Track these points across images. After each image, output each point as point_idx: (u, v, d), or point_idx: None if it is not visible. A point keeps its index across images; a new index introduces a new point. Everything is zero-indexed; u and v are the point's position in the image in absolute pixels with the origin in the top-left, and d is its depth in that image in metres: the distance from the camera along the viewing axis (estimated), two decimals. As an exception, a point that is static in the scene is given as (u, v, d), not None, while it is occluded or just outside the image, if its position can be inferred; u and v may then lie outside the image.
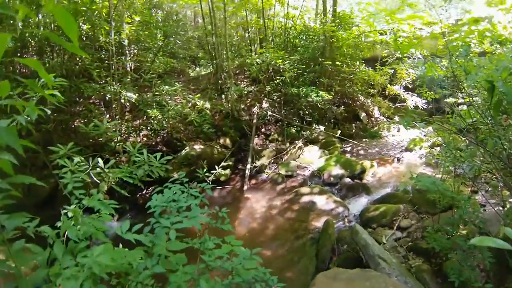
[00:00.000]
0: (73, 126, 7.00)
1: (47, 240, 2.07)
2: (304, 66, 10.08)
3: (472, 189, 5.30)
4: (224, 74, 9.46)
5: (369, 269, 3.58)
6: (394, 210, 5.65)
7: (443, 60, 5.31)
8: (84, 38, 7.75)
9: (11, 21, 5.60)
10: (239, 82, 10.63)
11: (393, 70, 11.13)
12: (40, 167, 5.99)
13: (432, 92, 6.44)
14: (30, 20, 6.58)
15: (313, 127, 9.72)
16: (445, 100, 8.68)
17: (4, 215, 1.65)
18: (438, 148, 7.67)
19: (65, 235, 2.14)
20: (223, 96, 9.56)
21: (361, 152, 9.43)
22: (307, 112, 9.91)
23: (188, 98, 8.35)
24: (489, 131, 3.85)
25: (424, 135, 9.18)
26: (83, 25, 7.31)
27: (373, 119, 11.75)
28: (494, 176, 5.85)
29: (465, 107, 5.00)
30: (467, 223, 4.11)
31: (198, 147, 7.78)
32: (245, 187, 7.48)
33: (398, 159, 8.53)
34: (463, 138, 5.04)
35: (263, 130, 9.58)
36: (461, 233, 4.15)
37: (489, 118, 3.93)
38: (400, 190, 6.47)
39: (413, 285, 3.62)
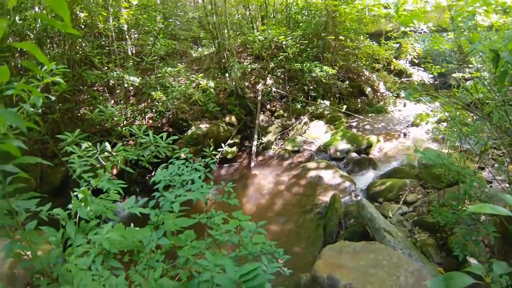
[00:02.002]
0: (79, 114, 7.06)
1: (61, 224, 2.16)
2: (307, 41, 9.95)
3: (479, 165, 5.29)
4: (227, 52, 9.38)
5: (374, 242, 3.65)
6: (400, 184, 5.68)
7: (449, 33, 5.21)
8: (83, 26, 7.71)
9: (8, 17, 5.58)
10: (242, 60, 10.54)
11: (398, 44, 10.93)
12: (50, 157, 6.09)
13: (438, 66, 6.33)
14: (27, 13, 6.56)
15: (318, 103, 9.67)
16: (452, 74, 8.56)
17: (15, 199, 1.71)
18: (444, 124, 7.61)
19: (77, 216, 2.22)
20: (226, 74, 9.52)
21: (367, 127, 9.41)
22: (311, 88, 9.85)
23: (192, 78, 8.33)
24: (495, 105, 3.81)
25: (431, 110, 9.10)
26: (80, 13, 7.25)
27: (378, 94, 11.63)
28: (501, 152, 5.81)
29: (472, 82, 4.93)
30: (472, 198, 4.12)
31: (204, 126, 7.82)
32: (252, 164, 7.55)
33: (404, 134, 8.50)
34: (469, 114, 4.99)
35: (268, 106, 9.57)
36: (466, 208, 4.17)
37: (496, 92, 3.89)
38: (406, 164, 6.48)
39: (418, 258, 3.68)
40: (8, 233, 1.69)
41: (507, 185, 4.71)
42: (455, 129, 4.64)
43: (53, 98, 2.21)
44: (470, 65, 5.64)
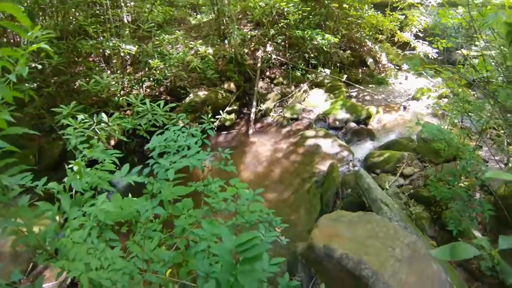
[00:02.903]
0: (75, 86, 6.94)
1: (55, 197, 2.14)
2: (309, 9, 9.66)
3: (477, 143, 5.26)
4: (226, 19, 9.14)
5: (371, 213, 3.66)
6: (398, 157, 5.68)
7: (458, 7, 5.03)
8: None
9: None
10: (242, 26, 10.28)
11: (404, 16, 10.62)
12: (47, 131, 6.08)
13: (444, 41, 6.17)
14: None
15: (318, 71, 9.51)
16: (457, 51, 8.33)
17: (5, 175, 1.68)
18: (445, 100, 7.52)
19: (73, 189, 2.20)
20: (226, 41, 9.32)
21: (367, 98, 9.31)
22: (312, 56, 9.64)
23: (190, 45, 8.16)
24: (502, 82, 3.73)
25: (432, 85, 8.98)
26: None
27: (380, 65, 11.40)
28: (502, 132, 5.76)
29: (477, 61, 4.81)
30: (469, 175, 4.11)
31: (202, 93, 7.72)
32: (251, 131, 7.53)
33: (404, 107, 8.44)
34: (472, 92, 4.89)
35: (267, 73, 9.41)
36: (463, 185, 4.17)
37: (505, 70, 3.80)
38: (405, 137, 6.46)
39: (413, 230, 3.72)
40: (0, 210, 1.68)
41: (503, 165, 4.71)
42: (457, 105, 4.59)
43: (39, 66, 2.13)
44: (477, 43, 5.50)
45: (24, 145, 5.79)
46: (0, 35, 5.96)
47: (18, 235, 1.85)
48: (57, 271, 3.37)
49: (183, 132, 2.44)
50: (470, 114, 4.54)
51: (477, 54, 5.35)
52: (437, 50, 9.65)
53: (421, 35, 10.71)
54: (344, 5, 9.67)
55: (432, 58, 10.13)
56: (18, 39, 6.60)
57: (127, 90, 7.11)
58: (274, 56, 9.45)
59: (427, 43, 10.04)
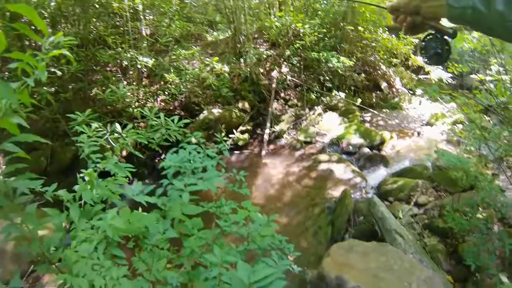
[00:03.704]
0: (91, 94, 7.01)
1: (64, 206, 2.08)
2: (325, 30, 9.71)
3: (493, 172, 5.10)
4: (243, 37, 9.20)
5: (385, 243, 3.53)
6: (413, 185, 5.51)
7: (473, 31, 4.98)
8: (97, 6, 7.60)
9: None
10: (258, 46, 10.33)
11: (418, 40, 10.61)
12: (61, 136, 6.13)
13: (460, 66, 6.10)
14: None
15: (333, 94, 9.48)
16: (471, 75, 8.23)
17: (12, 179, 1.62)
18: (460, 126, 7.39)
19: (82, 199, 2.14)
20: (241, 60, 9.35)
21: (381, 122, 9.20)
22: (327, 78, 9.62)
23: (206, 62, 8.20)
24: None
25: (447, 111, 8.85)
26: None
27: (394, 89, 11.34)
28: None
29: (492, 85, 4.73)
30: (488, 205, 3.96)
31: (216, 111, 7.68)
32: (263, 152, 7.41)
33: (418, 133, 8.28)
34: (487, 118, 4.78)
35: (282, 94, 9.37)
36: (481, 216, 4.02)
37: None
38: (419, 165, 6.29)
39: (428, 264, 3.55)
40: (7, 215, 1.61)
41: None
42: (473, 132, 4.47)
43: (59, 72, 2.10)
44: (492, 67, 5.43)
45: (36, 147, 5.84)
46: (22, 38, 6.04)
47: (22, 241, 1.79)
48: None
49: (198, 152, 2.37)
50: (487, 141, 4.41)
51: (492, 78, 5.25)
52: (451, 75, 9.57)
53: None
54: (360, 28, 9.70)
55: (446, 82, 10.06)
56: (30, 43, 6.72)
57: (142, 102, 7.13)
58: (289, 77, 9.44)
59: (441, 67, 9.99)
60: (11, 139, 1.38)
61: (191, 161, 2.28)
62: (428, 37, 1.06)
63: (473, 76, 7.57)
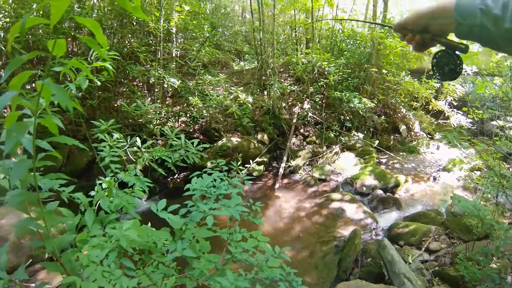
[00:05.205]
0: (115, 105, 7.21)
1: (79, 208, 2.11)
2: (349, 71, 9.86)
3: (510, 221, 4.97)
4: (269, 70, 9.40)
5: (393, 287, 3.42)
6: (425, 230, 5.38)
7: (494, 78, 4.99)
8: (134, 23, 7.95)
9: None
10: (282, 80, 10.55)
11: (440, 84, 10.67)
12: (80, 140, 6.24)
13: (480, 112, 6.06)
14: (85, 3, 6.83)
15: (352, 134, 9.50)
16: (492, 122, 8.15)
17: (41, 176, 1.67)
18: (478, 172, 7.25)
19: (97, 205, 2.17)
20: (265, 92, 9.52)
21: (397, 165, 9.12)
22: (347, 118, 9.71)
23: (231, 90, 8.37)
24: None
25: (465, 157, 8.72)
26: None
27: (412, 133, 11.33)
28: None
29: None
30: (503, 255, 3.83)
31: (235, 139, 7.77)
32: (277, 185, 7.40)
33: (434, 178, 8.15)
34: (506, 166, 4.70)
35: (301, 130, 9.47)
36: (494, 266, 3.88)
37: None
38: (434, 208, 6.18)
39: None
40: (26, 208, 1.65)
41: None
42: (491, 180, 4.39)
43: (99, 82, 2.20)
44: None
45: (54, 146, 5.95)
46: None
47: (34, 236, 1.81)
48: (53, 274, 3.30)
49: (221, 179, 2.41)
50: (505, 189, 4.31)
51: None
52: (471, 120, 9.50)
53: (455, 103, 10.62)
54: (383, 70, 9.81)
55: (466, 128, 9.97)
56: (75, 50, 7.02)
57: (163, 121, 7.29)
58: (310, 114, 9.54)
59: (461, 112, 9.94)
60: (49, 138, 1.44)
61: (215, 187, 2.31)
62: (439, 54, 1.05)
63: (493, 122, 7.48)
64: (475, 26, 0.86)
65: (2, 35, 6.27)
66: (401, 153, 9.99)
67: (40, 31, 6.36)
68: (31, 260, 3.82)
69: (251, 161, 7.18)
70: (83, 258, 1.69)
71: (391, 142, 10.44)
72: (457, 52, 1.01)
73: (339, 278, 4.58)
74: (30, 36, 6.11)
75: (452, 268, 4.36)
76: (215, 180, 2.37)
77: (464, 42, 1.01)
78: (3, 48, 6.19)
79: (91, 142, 3.42)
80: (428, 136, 11.20)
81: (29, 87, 5.84)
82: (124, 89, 7.66)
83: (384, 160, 9.36)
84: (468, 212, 4.03)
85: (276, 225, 5.94)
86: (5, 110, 5.16)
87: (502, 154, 4.35)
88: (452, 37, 1.00)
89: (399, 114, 11.28)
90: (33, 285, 3.50)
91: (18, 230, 1.75)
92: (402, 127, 11.01)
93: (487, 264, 3.82)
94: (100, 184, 2.24)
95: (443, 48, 1.04)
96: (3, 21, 6.25)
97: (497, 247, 3.70)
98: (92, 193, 2.20)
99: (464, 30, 0.90)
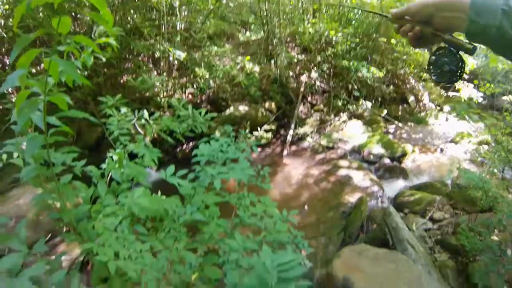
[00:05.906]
0: (121, 81, 7.24)
1: (92, 181, 2.21)
2: (357, 40, 9.68)
3: None
4: (275, 40, 9.29)
5: (397, 252, 3.54)
6: (430, 199, 5.44)
7: None
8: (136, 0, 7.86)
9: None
10: (289, 49, 10.40)
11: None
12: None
13: (492, 86, 5.92)
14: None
15: (360, 103, 9.44)
16: (503, 97, 8.01)
17: (54, 151, 1.75)
18: (486, 147, 7.21)
19: (109, 176, 2.27)
20: (272, 62, 9.44)
21: (404, 135, 9.08)
22: (355, 87, 9.60)
23: (237, 61, 8.32)
24: None
25: (474, 130, 8.63)
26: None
27: (421, 104, 11.15)
28: None
29: None
30: (505, 228, 3.89)
31: (242, 108, 7.79)
32: (285, 152, 7.48)
33: (442, 150, 8.08)
34: None
35: (309, 99, 9.40)
36: (496, 238, 3.95)
37: None
38: (439, 179, 6.20)
39: (437, 278, 3.53)
40: (41, 183, 1.74)
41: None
42: (499, 154, 4.39)
43: (104, 59, 2.25)
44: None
45: (64, 123, 6.06)
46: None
47: (51, 210, 1.92)
48: (72, 246, 3.45)
49: (228, 145, 2.46)
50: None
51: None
52: (482, 94, 9.36)
53: (466, 76, 10.43)
54: (392, 40, 9.63)
55: (477, 102, 9.83)
56: (77, 30, 7.00)
57: (170, 93, 7.32)
58: (317, 83, 9.47)
59: (472, 85, 9.77)
60: (59, 114, 1.50)
61: (223, 152, 2.36)
62: (439, 51, 0.94)
63: (504, 97, 7.36)
64: (492, 27, 0.78)
65: (2, 23, 6.29)
66: (409, 123, 9.90)
67: (41, 14, 6.34)
68: (50, 234, 3.94)
69: (259, 129, 7.21)
70: (99, 227, 1.79)
71: (399, 112, 10.33)
72: (460, 53, 0.91)
73: (345, 242, 4.72)
74: (31, 20, 6.11)
75: (454, 237, 4.45)
76: (222, 145, 2.42)
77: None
78: (5, 36, 6.22)
79: (99, 119, 3.49)
80: (437, 107, 11.05)
81: (34, 70, 5.88)
82: (130, 65, 7.67)
83: (391, 130, 9.33)
84: (473, 185, 4.05)
85: (284, 191, 6.05)
86: (12, 96, 5.27)
87: (511, 129, 4.33)
88: (458, 35, 0.91)
89: (407, 85, 11.10)
90: (53, 256, 3.68)
91: (36, 204, 1.84)
92: (411, 98, 10.87)
93: (488, 236, 3.89)
94: (111, 156, 2.33)
95: (445, 45, 0.93)
96: (2, 9, 6.26)
97: (500, 220, 3.75)
98: (104, 166, 2.29)
99: (477, 29, 0.81)
